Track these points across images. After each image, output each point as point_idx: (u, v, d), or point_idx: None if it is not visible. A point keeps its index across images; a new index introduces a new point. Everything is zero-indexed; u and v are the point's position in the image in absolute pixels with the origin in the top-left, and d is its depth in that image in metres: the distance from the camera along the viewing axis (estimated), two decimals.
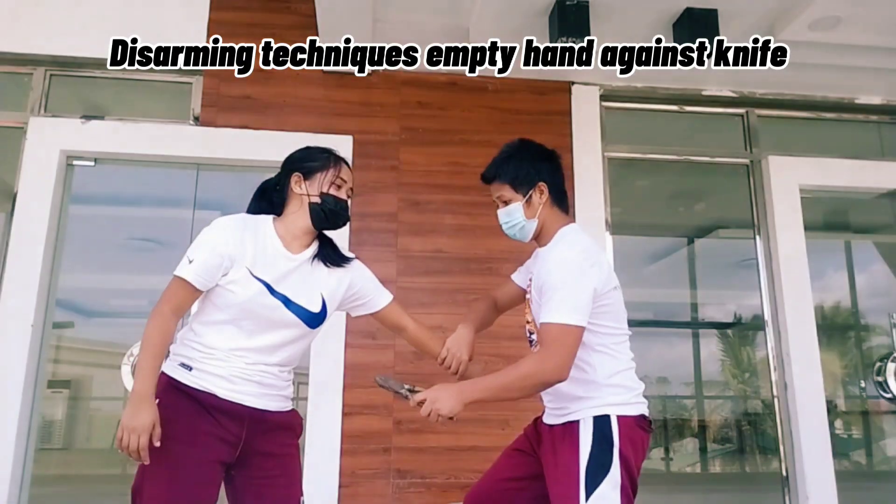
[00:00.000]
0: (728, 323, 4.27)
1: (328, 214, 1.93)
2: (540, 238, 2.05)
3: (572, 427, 1.89)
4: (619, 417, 1.86)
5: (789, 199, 4.03)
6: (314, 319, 1.95)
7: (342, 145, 3.74)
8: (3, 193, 3.64)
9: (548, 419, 2.05)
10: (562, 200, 2.06)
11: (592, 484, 1.79)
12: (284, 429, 1.94)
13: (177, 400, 1.77)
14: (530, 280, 2.08)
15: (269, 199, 2.00)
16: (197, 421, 1.77)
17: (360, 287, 2.09)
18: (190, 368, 1.80)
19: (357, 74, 3.81)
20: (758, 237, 4.11)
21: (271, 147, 3.70)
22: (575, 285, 1.83)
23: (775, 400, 3.90)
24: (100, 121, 3.64)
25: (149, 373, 1.70)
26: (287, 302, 1.88)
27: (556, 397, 1.99)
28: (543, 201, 2.02)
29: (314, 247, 1.98)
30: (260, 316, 1.84)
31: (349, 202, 2.00)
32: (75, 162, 3.66)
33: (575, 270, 1.85)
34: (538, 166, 2.04)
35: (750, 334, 4.17)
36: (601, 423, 1.86)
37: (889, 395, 4.08)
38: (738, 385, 4.28)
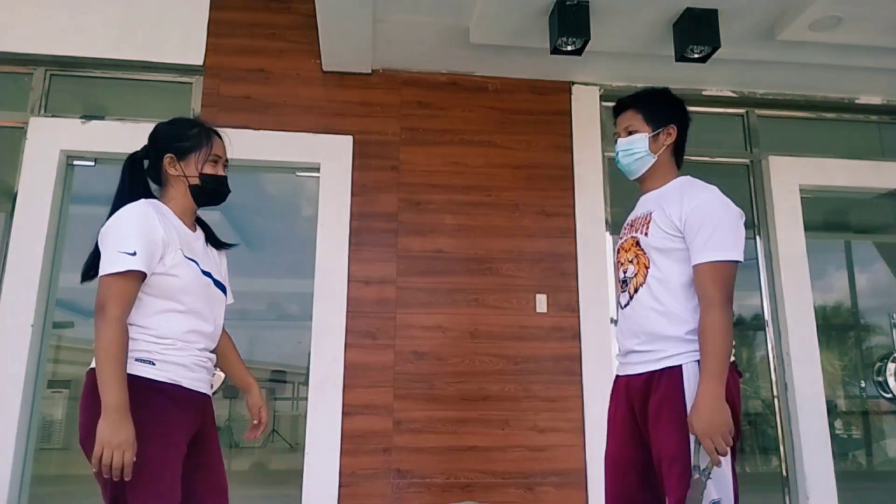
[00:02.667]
0: None
1: (211, 194, 1.94)
2: (648, 179, 2.06)
3: (675, 371, 1.82)
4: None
5: (789, 199, 4.03)
6: (226, 293, 2.01)
7: (342, 145, 3.76)
8: (3, 193, 3.65)
9: (636, 368, 1.93)
10: (679, 156, 2.08)
11: None
12: (212, 415, 1.95)
13: (149, 399, 1.68)
14: (627, 226, 2.12)
15: (142, 178, 1.91)
16: (170, 417, 1.71)
17: (224, 275, 2.10)
18: (153, 363, 1.72)
19: (357, 74, 3.82)
20: (758, 237, 4.11)
21: (271, 147, 3.71)
22: (730, 222, 1.87)
23: (775, 400, 3.90)
24: (100, 121, 3.64)
25: (119, 383, 1.60)
26: (213, 279, 1.90)
27: (647, 338, 1.90)
28: (668, 143, 2.03)
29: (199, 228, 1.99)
30: (200, 296, 1.83)
31: (227, 176, 1.99)
32: (75, 162, 3.66)
33: (727, 209, 1.90)
34: (675, 110, 2.07)
35: (750, 334, 4.17)
36: None
37: (889, 395, 4.08)
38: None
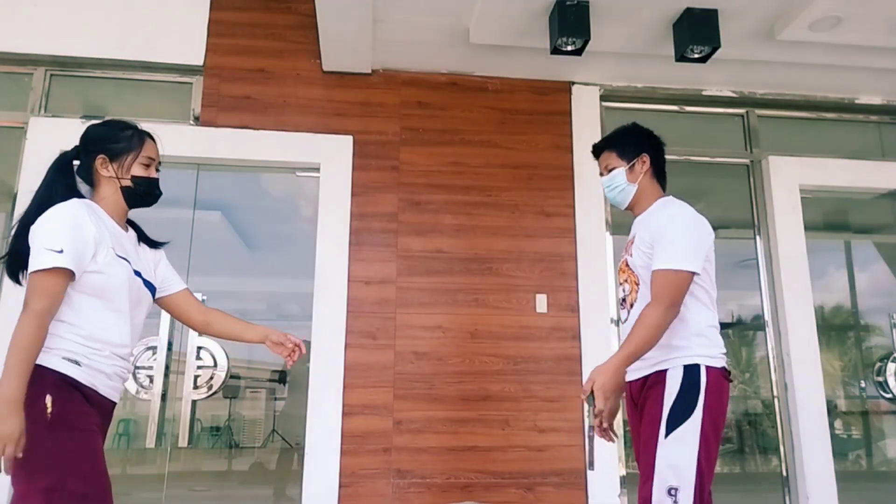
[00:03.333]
0: (728, 323, 4.27)
1: (143, 196, 1.94)
2: (636, 205, 2.25)
3: (662, 374, 2.02)
4: (708, 367, 1.98)
5: (789, 199, 4.03)
6: (154, 294, 2.00)
7: (342, 145, 3.76)
8: (3, 193, 3.65)
9: (635, 374, 2.13)
10: (661, 177, 2.27)
11: (673, 424, 1.93)
12: (108, 424, 1.93)
13: (71, 395, 1.69)
14: (623, 249, 2.29)
15: (71, 177, 1.92)
16: (88, 412, 1.73)
17: (165, 269, 2.09)
18: (78, 363, 1.72)
19: (357, 74, 3.82)
20: (758, 237, 4.11)
21: (271, 147, 3.71)
22: (688, 235, 2.04)
23: (775, 400, 3.90)
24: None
25: (21, 377, 1.58)
26: (142, 278, 1.90)
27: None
28: (645, 171, 2.23)
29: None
30: (131, 295, 1.83)
31: (158, 178, 1.99)
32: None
33: (689, 222, 2.07)
34: (643, 141, 2.26)
35: (750, 334, 4.17)
36: (691, 371, 1.98)
37: (889, 395, 4.08)
38: (739, 385, 4.27)
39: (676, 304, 1.99)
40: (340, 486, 3.36)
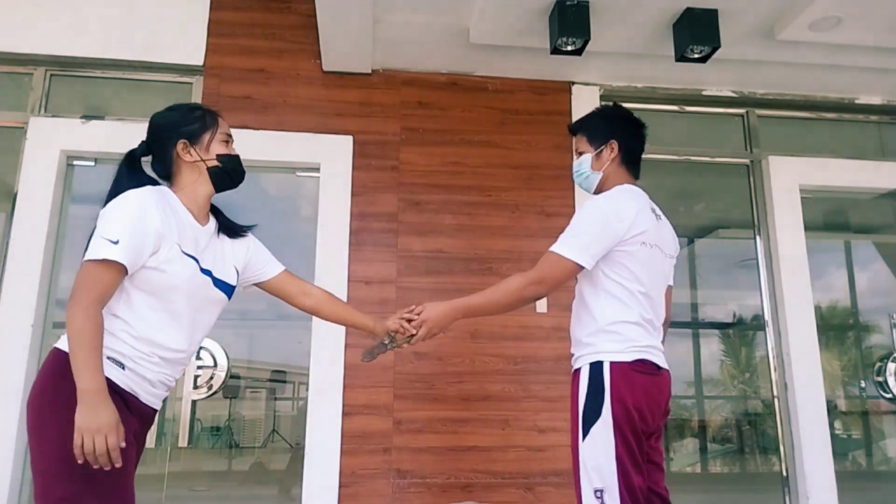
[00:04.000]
0: (728, 323, 4.28)
1: (231, 174, 1.87)
2: (601, 193, 2.16)
3: (577, 374, 2.02)
4: (612, 364, 1.93)
5: (789, 199, 4.03)
6: (231, 293, 1.89)
7: (342, 145, 3.76)
8: (3, 193, 3.65)
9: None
10: (632, 164, 2.18)
11: (587, 425, 1.91)
12: (148, 431, 1.87)
13: (113, 400, 1.58)
14: None
15: (141, 172, 1.79)
16: (127, 423, 1.58)
17: (256, 255, 2.01)
18: (123, 367, 1.63)
19: (357, 74, 3.82)
20: (758, 237, 4.11)
21: (271, 147, 3.71)
22: (590, 228, 1.99)
23: (775, 400, 3.90)
24: (100, 121, 3.64)
25: (95, 369, 1.51)
26: (213, 278, 1.79)
27: (573, 344, 2.11)
28: (612, 157, 2.15)
29: (213, 218, 1.89)
30: (193, 296, 1.73)
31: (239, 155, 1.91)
32: (75, 162, 3.66)
33: (598, 215, 2.00)
34: (615, 127, 2.17)
35: (750, 334, 4.17)
36: (595, 369, 1.95)
37: (889, 395, 4.08)
38: (739, 385, 4.28)
39: (545, 283, 2.00)
40: (340, 486, 3.36)
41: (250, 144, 3.67)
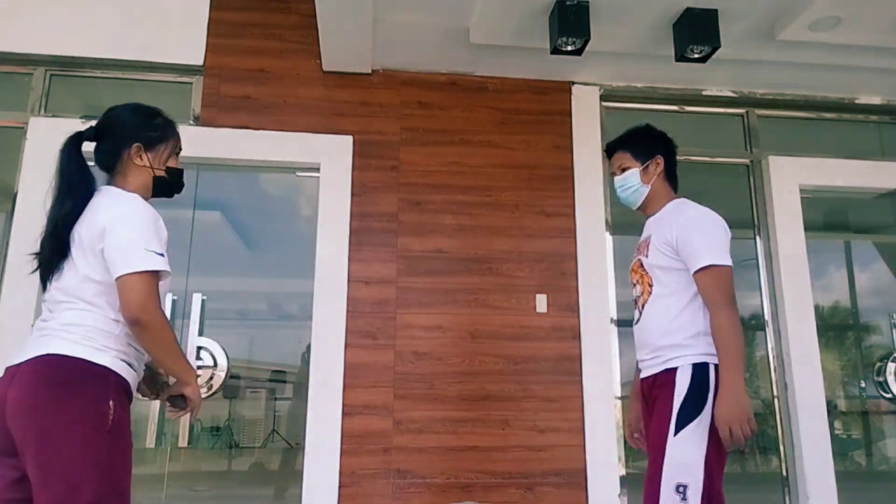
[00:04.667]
0: None
1: (173, 187, 1.90)
2: (648, 206, 2.26)
3: (672, 373, 2.03)
4: (716, 366, 2.00)
5: (789, 199, 4.03)
6: None
7: (342, 145, 3.76)
8: (3, 193, 3.65)
9: (645, 372, 2.16)
10: (673, 180, 2.28)
11: (683, 422, 1.94)
12: None
13: (125, 401, 1.67)
14: (635, 249, 2.29)
15: (83, 160, 1.80)
16: (129, 422, 1.69)
17: None
18: (131, 366, 1.70)
19: (357, 74, 3.82)
20: (758, 237, 4.11)
21: (271, 147, 3.71)
22: (717, 233, 2.06)
23: (775, 400, 3.90)
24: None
25: (180, 363, 1.75)
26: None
27: (652, 349, 2.12)
28: (658, 172, 2.24)
29: None
30: (162, 296, 1.78)
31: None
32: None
33: (715, 221, 2.09)
34: (657, 143, 2.28)
35: (750, 334, 4.17)
36: (700, 370, 2.00)
37: (889, 395, 4.08)
38: None
39: (733, 298, 2.01)
40: (340, 486, 3.36)
41: (250, 144, 3.68)
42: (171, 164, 1.89)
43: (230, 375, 3.60)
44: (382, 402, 3.49)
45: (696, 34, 3.24)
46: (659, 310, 2.11)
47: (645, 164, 2.23)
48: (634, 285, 2.24)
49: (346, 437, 3.42)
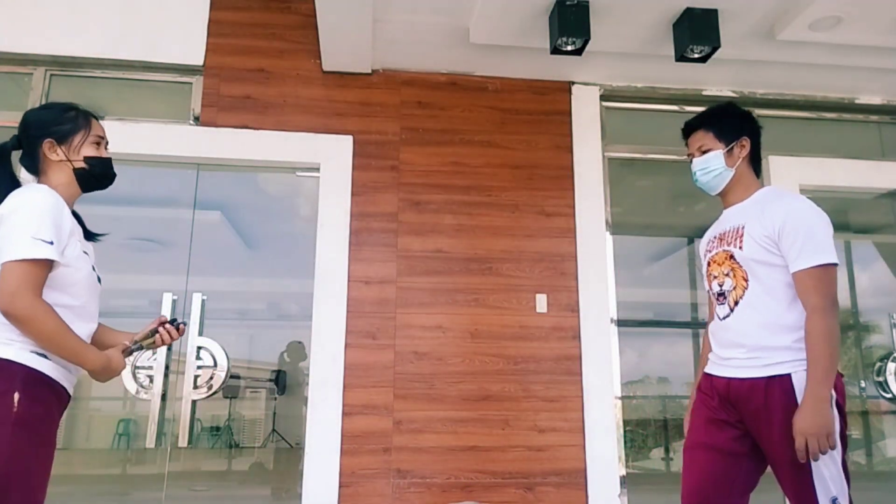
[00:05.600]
0: None
1: (98, 178, 1.88)
2: (730, 193, 2.10)
3: (786, 380, 1.87)
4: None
5: None
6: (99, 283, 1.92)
7: (342, 145, 3.76)
8: None
9: (733, 373, 1.98)
10: (756, 164, 2.12)
11: None
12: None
13: (42, 393, 1.63)
14: (715, 239, 2.13)
15: (9, 170, 1.82)
16: (53, 416, 1.66)
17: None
18: (46, 357, 1.64)
19: (357, 74, 3.82)
20: None
21: (271, 147, 3.71)
22: (824, 229, 1.92)
23: None
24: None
25: (87, 349, 1.69)
26: (94, 269, 1.84)
27: (750, 349, 1.94)
28: (743, 156, 2.08)
29: None
30: (91, 288, 1.79)
31: (111, 158, 1.93)
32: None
33: (821, 215, 1.95)
34: (744, 123, 2.12)
35: None
36: None
37: (889, 395, 4.08)
38: None
39: (836, 300, 1.86)
40: (340, 486, 3.36)
41: (250, 144, 3.68)
42: (89, 153, 1.85)
43: (230, 375, 3.60)
44: (382, 402, 3.49)
45: (696, 34, 3.24)
46: (760, 307, 1.93)
47: (730, 146, 2.07)
48: (719, 277, 2.06)
49: (346, 437, 3.42)
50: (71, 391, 1.76)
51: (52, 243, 1.63)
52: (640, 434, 4.06)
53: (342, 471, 3.38)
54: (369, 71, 3.87)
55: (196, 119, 3.73)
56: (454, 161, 3.84)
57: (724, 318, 2.03)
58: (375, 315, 3.59)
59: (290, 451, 3.75)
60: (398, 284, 3.64)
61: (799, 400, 1.83)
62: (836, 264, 1.88)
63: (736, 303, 1.99)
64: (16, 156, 1.88)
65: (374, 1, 3.23)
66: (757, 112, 4.19)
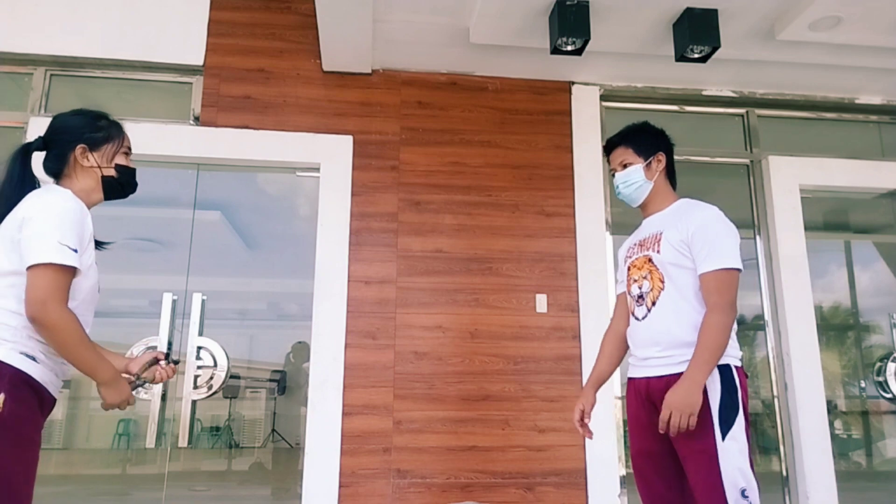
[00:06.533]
0: None
1: (124, 186, 1.91)
2: (650, 204, 2.25)
3: None
4: (736, 367, 2.02)
5: (789, 199, 4.03)
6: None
7: (342, 145, 3.76)
8: None
9: (651, 371, 2.11)
10: (672, 178, 2.28)
11: (726, 426, 1.93)
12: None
13: (27, 396, 1.61)
14: (635, 245, 2.27)
15: (30, 169, 1.82)
16: (37, 419, 1.65)
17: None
18: (35, 359, 1.63)
19: (357, 74, 3.82)
20: (758, 237, 4.11)
21: (271, 147, 3.71)
22: (730, 236, 2.06)
23: (775, 400, 3.90)
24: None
25: (101, 360, 1.70)
26: (98, 281, 1.84)
27: (665, 347, 2.08)
28: (660, 169, 2.24)
29: None
30: (93, 296, 1.78)
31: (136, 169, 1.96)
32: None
33: (727, 224, 2.09)
34: (659, 140, 2.28)
35: (750, 334, 4.17)
36: (725, 371, 2.00)
37: (889, 395, 4.08)
38: None
39: (735, 304, 2.01)
40: (340, 486, 3.36)
41: (250, 144, 3.68)
42: (120, 162, 1.89)
43: (230, 375, 3.60)
44: (382, 402, 3.49)
45: (696, 34, 3.24)
46: (674, 308, 2.07)
47: (648, 161, 2.22)
48: (638, 281, 2.18)
49: (346, 437, 3.42)
50: (56, 395, 1.75)
51: (76, 251, 1.64)
52: None
53: (342, 471, 3.38)
54: (369, 71, 3.87)
55: (196, 119, 3.73)
56: (454, 161, 3.84)
57: (643, 318, 2.16)
58: (375, 315, 3.59)
59: (290, 452, 3.75)
60: (398, 284, 3.64)
61: (711, 394, 1.95)
62: (739, 269, 2.03)
63: (653, 303, 2.12)
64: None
65: (374, 1, 3.23)
66: (757, 112, 4.27)
